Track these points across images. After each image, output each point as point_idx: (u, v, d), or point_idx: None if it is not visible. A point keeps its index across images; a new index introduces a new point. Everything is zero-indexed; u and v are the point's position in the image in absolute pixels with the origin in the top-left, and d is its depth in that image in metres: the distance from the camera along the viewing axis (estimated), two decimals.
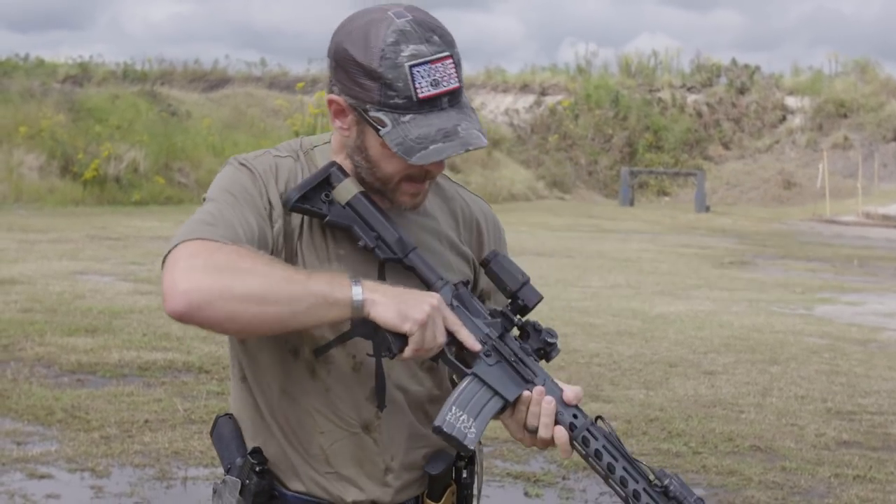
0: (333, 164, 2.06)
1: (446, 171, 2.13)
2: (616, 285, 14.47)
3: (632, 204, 33.01)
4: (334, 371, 2.05)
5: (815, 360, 9.80)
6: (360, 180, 2.06)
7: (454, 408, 1.98)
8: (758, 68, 40.49)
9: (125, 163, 23.32)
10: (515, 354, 2.02)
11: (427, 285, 2.01)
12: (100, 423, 6.74)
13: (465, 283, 2.05)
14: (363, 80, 1.95)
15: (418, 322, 1.91)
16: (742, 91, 39.75)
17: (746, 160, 38.08)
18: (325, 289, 1.89)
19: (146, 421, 6.83)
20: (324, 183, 2.03)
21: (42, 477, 5.82)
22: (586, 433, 2.00)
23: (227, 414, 2.18)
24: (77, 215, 20.00)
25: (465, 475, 2.17)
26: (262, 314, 1.86)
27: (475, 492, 2.20)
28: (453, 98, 1.97)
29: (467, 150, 1.95)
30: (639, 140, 37.92)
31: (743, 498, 6.01)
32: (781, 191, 36.02)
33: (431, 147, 1.94)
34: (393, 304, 1.91)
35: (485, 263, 2.05)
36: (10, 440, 6.39)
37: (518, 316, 2.05)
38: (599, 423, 2.03)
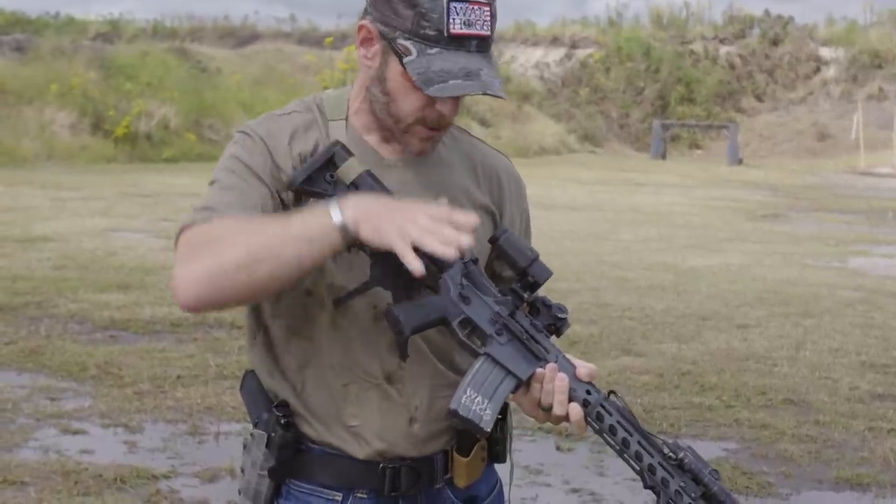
0: (337, 143, 2.02)
1: (475, 124, 2.10)
2: (648, 239, 14.40)
3: (664, 157, 32.78)
4: (356, 322, 2.03)
5: (849, 312, 9.73)
6: (372, 119, 2.04)
7: (469, 389, 1.95)
8: (791, 19, 40.07)
9: (156, 120, 23.37)
10: (527, 332, 2.00)
11: (434, 262, 1.98)
12: (133, 379, 6.78)
13: (475, 261, 2.00)
14: (399, 5, 1.93)
15: (411, 236, 1.81)
16: (775, 42, 39.34)
17: (780, 112, 37.74)
18: (302, 228, 1.84)
19: (178, 376, 6.86)
20: (328, 163, 1.99)
21: (76, 432, 5.87)
22: (600, 409, 1.99)
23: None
24: (109, 172, 20.06)
25: (497, 430, 2.14)
26: (260, 276, 1.84)
27: (508, 446, 2.18)
28: (482, 45, 1.96)
29: (485, 94, 1.93)
30: (671, 93, 37.63)
31: (776, 451, 5.99)
32: (815, 143, 35.68)
33: (451, 82, 1.91)
34: (377, 220, 1.83)
35: (493, 240, 2.01)
36: (44, 396, 6.43)
37: (528, 293, 2.01)
38: (612, 397, 2.01)
